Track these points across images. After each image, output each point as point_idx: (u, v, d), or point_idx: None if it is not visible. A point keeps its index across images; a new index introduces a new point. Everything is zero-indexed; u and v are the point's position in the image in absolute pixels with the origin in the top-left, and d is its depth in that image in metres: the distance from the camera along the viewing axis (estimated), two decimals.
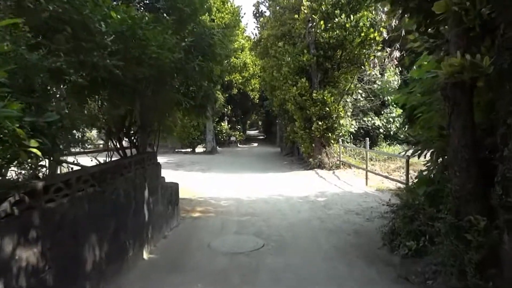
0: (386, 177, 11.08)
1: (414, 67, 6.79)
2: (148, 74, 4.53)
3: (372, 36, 13.31)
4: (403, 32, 14.77)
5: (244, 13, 39.17)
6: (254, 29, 33.39)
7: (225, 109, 30.07)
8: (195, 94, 6.32)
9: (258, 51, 18.21)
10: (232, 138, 31.38)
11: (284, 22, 15.66)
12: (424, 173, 5.59)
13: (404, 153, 8.68)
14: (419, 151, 5.46)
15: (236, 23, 23.07)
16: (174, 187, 7.24)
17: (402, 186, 9.94)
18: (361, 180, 12.05)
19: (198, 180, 13.14)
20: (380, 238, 5.88)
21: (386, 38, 13.40)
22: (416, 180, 5.99)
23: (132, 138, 6.15)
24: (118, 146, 6.00)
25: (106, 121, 5.72)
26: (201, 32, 5.88)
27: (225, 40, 6.75)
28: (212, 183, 12.29)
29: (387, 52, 13.86)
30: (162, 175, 6.73)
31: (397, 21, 13.88)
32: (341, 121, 14.62)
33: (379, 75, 19.82)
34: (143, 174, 5.43)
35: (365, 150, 11.94)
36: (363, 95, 19.49)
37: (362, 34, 13.24)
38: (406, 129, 6.28)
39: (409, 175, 8.76)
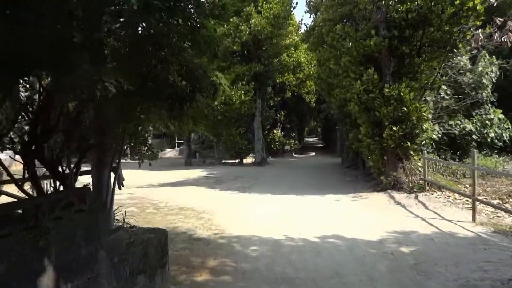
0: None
1: None
2: None
3: (470, 4, 9.40)
4: None
5: (297, 3, 36.03)
6: (305, 13, 29.99)
7: (278, 115, 27.07)
8: (168, 77, 3.33)
9: (311, 41, 14.90)
10: (286, 147, 28.25)
11: (343, 1, 12.26)
12: None
13: None
14: None
15: (287, 13, 19.98)
16: (155, 239, 4.27)
17: None
18: (462, 211, 8.19)
19: (232, 204, 10.19)
20: None
21: (495, 4, 9.37)
22: None
23: (53, 161, 3.31)
24: (27, 174, 3.20)
25: None
26: None
27: None
28: (248, 211, 9.22)
29: (495, 23, 9.74)
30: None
31: None
32: (425, 125, 10.74)
33: (469, 65, 15.46)
34: (36, 241, 2.54)
35: (471, 167, 8.05)
36: (448, 92, 15.23)
37: (457, 2, 9.38)
38: None
39: None
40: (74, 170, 3.44)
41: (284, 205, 9.84)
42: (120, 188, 4.16)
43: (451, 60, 13.61)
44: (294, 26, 26.01)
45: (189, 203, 10.28)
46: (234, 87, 19.91)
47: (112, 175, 4.15)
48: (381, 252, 5.79)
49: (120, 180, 4.14)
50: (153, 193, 12.50)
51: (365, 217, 8.21)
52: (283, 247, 6.26)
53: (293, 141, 28.90)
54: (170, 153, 37.07)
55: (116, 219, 4.59)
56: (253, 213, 8.95)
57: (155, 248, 4.24)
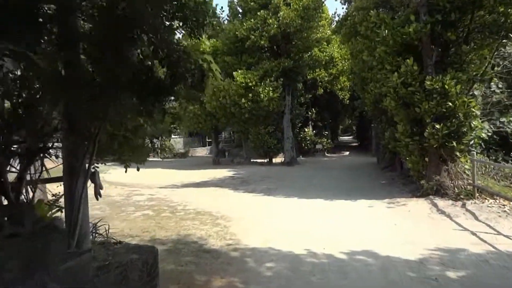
0: None
1: None
2: None
3: None
4: None
5: None
6: (335, 0, 28.53)
7: (309, 113, 25.95)
8: (139, 62, 2.58)
9: (343, 33, 13.77)
10: (318, 146, 27.08)
11: None
12: None
13: None
14: None
15: (317, 4, 18.85)
16: (140, 261, 3.54)
17: None
18: None
19: (254, 209, 9.41)
20: None
21: None
22: None
23: None
24: None
25: None
26: None
27: None
28: (269, 218, 8.38)
29: None
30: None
31: None
32: (473, 123, 9.39)
33: None
34: None
35: None
36: (500, 85, 13.55)
37: None
38: None
39: None
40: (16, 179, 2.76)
41: (311, 211, 8.91)
42: (97, 199, 3.46)
43: (503, 48, 12.03)
44: (327, 20, 24.77)
45: (208, 207, 9.61)
46: (262, 83, 19.07)
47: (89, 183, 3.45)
48: (421, 277, 4.75)
49: (97, 189, 3.44)
50: (174, 195, 11.99)
51: (402, 228, 7.12)
52: (303, 265, 5.37)
53: (325, 140, 27.66)
54: (201, 151, 36.98)
55: (99, 234, 3.91)
56: (274, 220, 8.11)
57: (139, 271, 3.52)
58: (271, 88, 18.96)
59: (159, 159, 30.14)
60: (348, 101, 28.09)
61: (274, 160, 21.98)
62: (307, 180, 14.69)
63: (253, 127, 20.63)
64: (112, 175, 18.49)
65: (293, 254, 5.80)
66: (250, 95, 18.87)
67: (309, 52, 21.72)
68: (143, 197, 11.66)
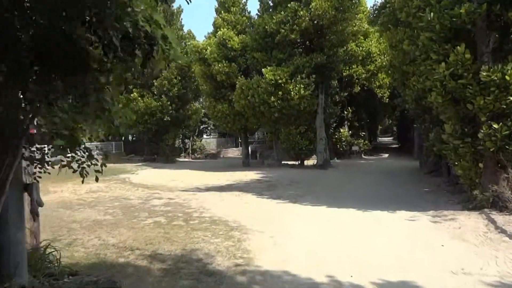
0: None
1: None
2: None
3: None
4: None
5: None
6: None
7: (345, 112, 24.45)
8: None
9: (381, 21, 12.37)
10: (355, 148, 25.54)
11: None
12: None
13: None
14: None
15: None
16: None
17: None
18: None
19: (275, 219, 8.37)
20: None
21: None
22: None
23: None
24: None
25: None
26: None
27: None
28: (291, 230, 7.33)
29: None
30: None
31: None
32: None
33: None
34: None
35: None
36: None
37: None
38: None
39: None
40: None
41: (340, 224, 7.72)
42: (34, 219, 2.59)
43: None
44: (365, 13, 23.18)
45: (225, 215, 8.70)
46: (293, 80, 17.93)
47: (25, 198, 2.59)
48: None
49: (34, 206, 2.57)
50: (194, 199, 11.21)
51: (451, 251, 5.79)
52: None
53: (362, 141, 26.01)
54: (233, 152, 36.39)
55: (48, 262, 3.06)
56: (296, 234, 7.03)
57: None
58: (302, 86, 17.78)
59: (190, 160, 29.87)
60: (387, 99, 26.30)
61: (306, 162, 20.80)
62: (340, 185, 13.41)
63: (284, 127, 19.56)
64: (139, 175, 18.20)
65: (312, 283, 4.70)
66: (280, 93, 17.81)
67: (345, 47, 20.31)
68: (160, 201, 10.98)
